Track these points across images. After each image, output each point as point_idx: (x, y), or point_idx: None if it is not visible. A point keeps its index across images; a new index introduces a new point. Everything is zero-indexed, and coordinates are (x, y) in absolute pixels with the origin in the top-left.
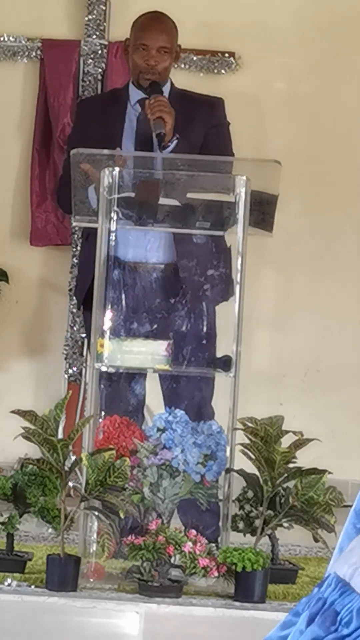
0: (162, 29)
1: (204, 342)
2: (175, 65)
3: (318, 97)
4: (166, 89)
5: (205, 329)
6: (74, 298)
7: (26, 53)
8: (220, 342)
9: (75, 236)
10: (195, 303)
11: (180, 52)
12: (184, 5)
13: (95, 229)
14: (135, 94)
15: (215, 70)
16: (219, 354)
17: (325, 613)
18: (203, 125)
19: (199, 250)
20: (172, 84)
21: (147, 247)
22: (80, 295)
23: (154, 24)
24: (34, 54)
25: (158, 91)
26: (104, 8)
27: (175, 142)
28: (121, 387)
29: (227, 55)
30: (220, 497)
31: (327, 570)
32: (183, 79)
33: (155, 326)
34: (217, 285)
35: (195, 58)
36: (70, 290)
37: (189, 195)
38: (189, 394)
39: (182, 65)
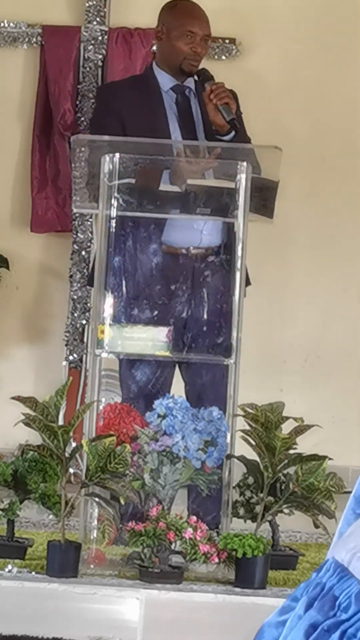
0: (205, 17)
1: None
2: None
3: (318, 83)
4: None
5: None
6: (75, 283)
7: (26, 39)
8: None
9: (76, 222)
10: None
11: None
12: None
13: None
14: (165, 80)
15: (216, 57)
16: (218, 340)
17: (323, 598)
18: None
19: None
20: None
21: (204, 230)
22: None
23: (200, 11)
24: (34, 40)
25: (210, 77)
26: None
27: (233, 132)
28: (147, 373)
29: (227, 41)
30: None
31: (327, 556)
32: None
33: (202, 310)
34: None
35: None
36: (70, 276)
37: (189, 181)
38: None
39: None
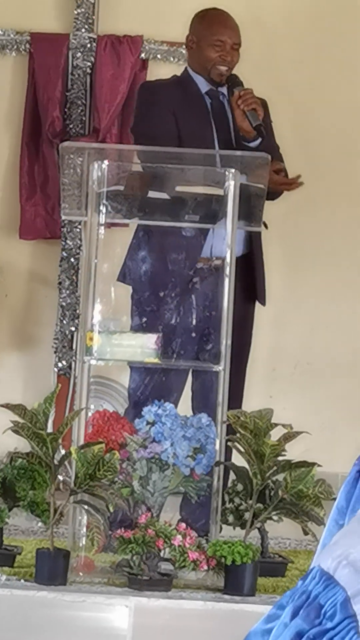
0: (235, 25)
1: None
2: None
3: (309, 88)
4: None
5: None
6: (64, 290)
7: (15, 46)
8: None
9: (65, 229)
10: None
11: None
12: None
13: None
14: (203, 85)
15: None
16: (207, 347)
17: (309, 606)
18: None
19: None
20: None
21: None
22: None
23: (229, 20)
24: (22, 47)
25: (240, 83)
26: (92, 1)
27: (260, 139)
28: (156, 381)
29: None
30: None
31: (311, 564)
32: (175, 71)
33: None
34: None
35: (184, 52)
36: (59, 283)
37: (177, 188)
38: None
39: (171, 59)
